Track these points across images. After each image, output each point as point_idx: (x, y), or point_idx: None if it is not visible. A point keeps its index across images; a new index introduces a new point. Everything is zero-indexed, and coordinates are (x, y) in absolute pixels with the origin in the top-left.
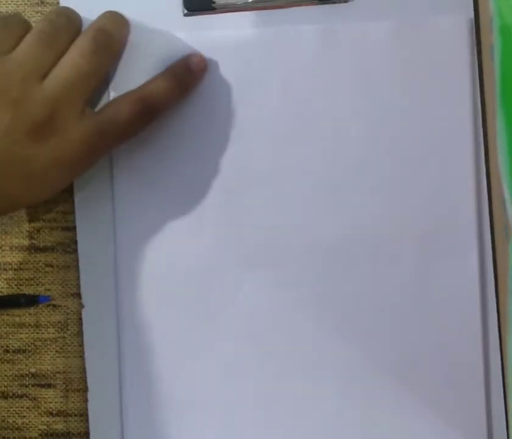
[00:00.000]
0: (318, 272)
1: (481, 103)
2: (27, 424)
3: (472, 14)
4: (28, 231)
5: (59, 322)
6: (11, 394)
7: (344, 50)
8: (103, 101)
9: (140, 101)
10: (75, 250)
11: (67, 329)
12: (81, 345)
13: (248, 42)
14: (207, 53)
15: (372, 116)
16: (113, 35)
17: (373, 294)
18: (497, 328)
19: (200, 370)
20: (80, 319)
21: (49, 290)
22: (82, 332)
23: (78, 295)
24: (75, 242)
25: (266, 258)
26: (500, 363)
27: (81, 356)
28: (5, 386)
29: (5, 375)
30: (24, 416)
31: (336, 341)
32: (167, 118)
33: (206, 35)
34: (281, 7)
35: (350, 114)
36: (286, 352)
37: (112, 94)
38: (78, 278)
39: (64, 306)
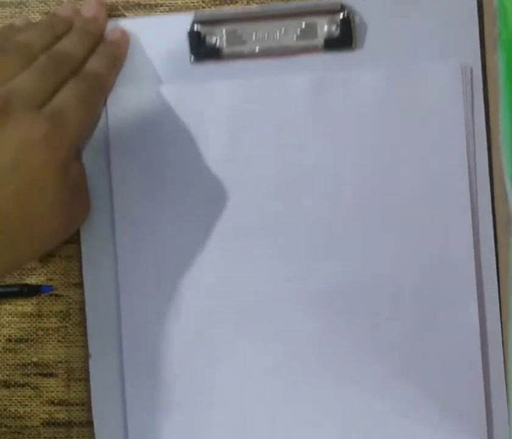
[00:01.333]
0: (317, 322)
1: (484, 96)
2: (28, 413)
3: (465, 61)
4: None
5: (61, 311)
6: (13, 383)
7: (339, 98)
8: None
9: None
10: (78, 241)
11: (70, 319)
12: (83, 335)
13: (244, 92)
14: (205, 102)
15: (368, 163)
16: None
17: (373, 344)
18: (500, 370)
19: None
20: (82, 308)
21: (51, 280)
22: (84, 322)
23: (80, 285)
24: (78, 232)
25: (264, 308)
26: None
27: (83, 346)
28: (7, 375)
29: (8, 364)
30: (26, 405)
31: (337, 394)
32: (165, 167)
33: (204, 85)
34: (287, 55)
35: (345, 162)
36: (284, 405)
37: (113, 150)
38: (80, 268)
39: (67, 296)
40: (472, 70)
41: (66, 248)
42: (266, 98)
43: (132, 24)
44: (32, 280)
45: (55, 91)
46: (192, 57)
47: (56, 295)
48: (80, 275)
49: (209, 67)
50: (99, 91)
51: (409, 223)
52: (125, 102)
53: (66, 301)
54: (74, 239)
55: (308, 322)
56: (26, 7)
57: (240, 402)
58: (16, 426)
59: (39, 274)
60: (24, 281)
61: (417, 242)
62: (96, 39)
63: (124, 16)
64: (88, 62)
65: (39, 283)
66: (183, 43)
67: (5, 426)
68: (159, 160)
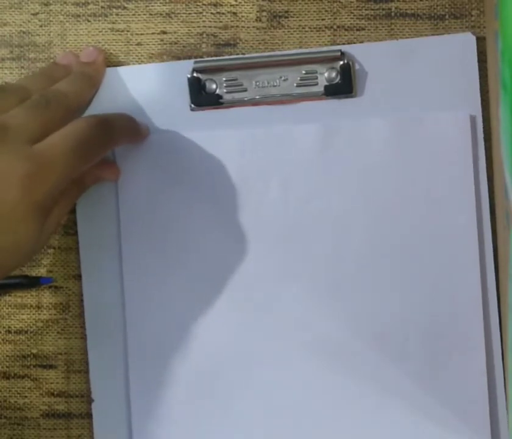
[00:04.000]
0: (325, 369)
1: (485, 90)
2: (28, 404)
3: (475, 110)
4: None
5: (61, 303)
6: (12, 374)
7: (345, 147)
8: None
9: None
10: (77, 232)
11: (69, 310)
12: (82, 326)
13: (250, 141)
14: (210, 151)
15: (374, 211)
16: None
17: (380, 389)
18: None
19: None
20: (82, 300)
21: (50, 272)
22: (84, 314)
23: (79, 277)
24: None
25: (271, 356)
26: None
27: (83, 337)
28: (7, 367)
29: (7, 356)
30: (26, 397)
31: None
32: (171, 213)
33: (209, 133)
34: (287, 102)
35: (352, 210)
36: None
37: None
38: (79, 260)
39: (66, 287)
40: (476, 118)
41: (66, 240)
42: (273, 147)
43: (132, 71)
44: (31, 271)
45: (47, 127)
46: (192, 104)
47: (56, 287)
48: (80, 267)
49: (209, 114)
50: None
51: (418, 270)
52: (132, 147)
53: (66, 293)
54: (74, 231)
55: (316, 369)
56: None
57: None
58: (15, 417)
59: (39, 266)
60: (23, 273)
61: (425, 289)
62: (94, 80)
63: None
64: (59, 83)
65: (39, 274)
66: (183, 90)
67: (5, 417)
68: (165, 206)
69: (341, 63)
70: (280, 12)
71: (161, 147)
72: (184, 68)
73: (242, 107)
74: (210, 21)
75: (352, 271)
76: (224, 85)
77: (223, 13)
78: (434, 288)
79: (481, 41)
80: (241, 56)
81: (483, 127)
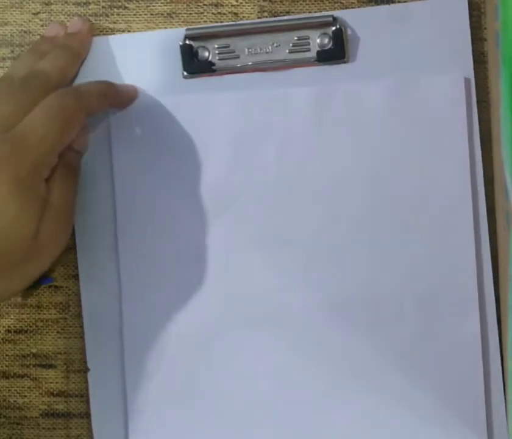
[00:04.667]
0: (317, 333)
1: (486, 91)
2: (27, 404)
3: (468, 73)
4: None
5: (60, 303)
6: (12, 373)
7: (340, 111)
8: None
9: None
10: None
11: (69, 310)
12: (82, 326)
13: (245, 104)
14: (204, 115)
15: (370, 175)
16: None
17: (376, 352)
18: (501, 386)
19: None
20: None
21: (50, 272)
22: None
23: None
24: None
25: (266, 319)
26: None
27: (82, 337)
28: (6, 366)
29: (7, 355)
30: (25, 396)
31: (338, 402)
32: (165, 180)
33: (203, 97)
34: (280, 68)
35: (347, 174)
36: (288, 410)
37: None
38: None
39: (66, 287)
40: (470, 80)
41: None
42: (267, 110)
43: (123, 40)
44: None
45: (27, 111)
46: (185, 72)
47: (56, 286)
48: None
49: (202, 81)
50: (74, 99)
51: (412, 233)
52: (127, 115)
53: (66, 292)
54: (73, 231)
55: (308, 333)
56: None
57: (242, 410)
58: (15, 417)
59: None
60: None
61: (419, 252)
62: (77, 52)
63: (125, 7)
64: (41, 61)
65: None
66: (175, 58)
67: (4, 417)
68: (159, 169)
69: (333, 28)
70: (281, 12)
71: (155, 113)
72: (177, 36)
73: (234, 74)
74: (211, 21)
75: (347, 234)
76: (216, 52)
77: (224, 13)
78: (429, 249)
79: (481, 42)
80: (233, 23)
81: (476, 89)
